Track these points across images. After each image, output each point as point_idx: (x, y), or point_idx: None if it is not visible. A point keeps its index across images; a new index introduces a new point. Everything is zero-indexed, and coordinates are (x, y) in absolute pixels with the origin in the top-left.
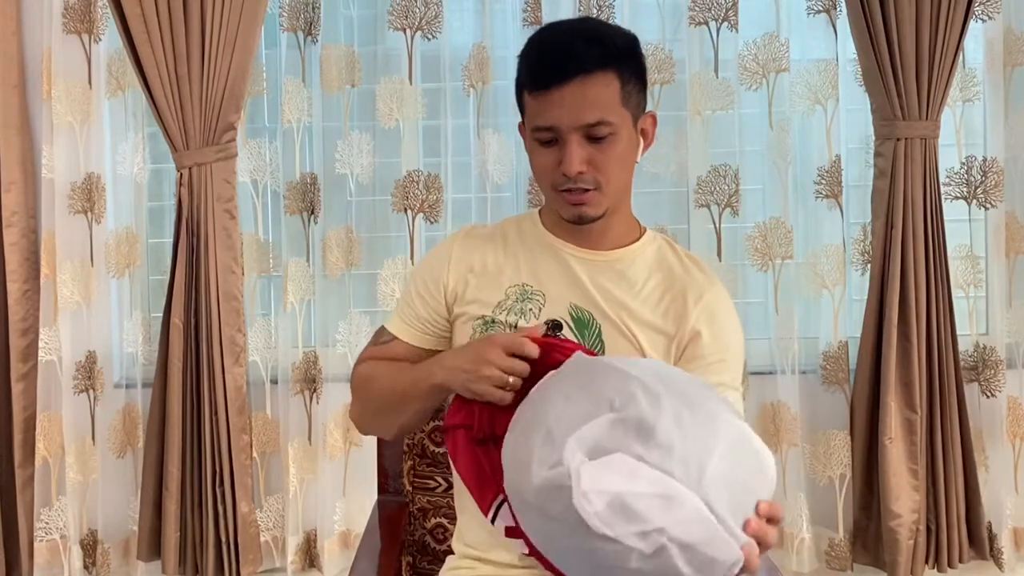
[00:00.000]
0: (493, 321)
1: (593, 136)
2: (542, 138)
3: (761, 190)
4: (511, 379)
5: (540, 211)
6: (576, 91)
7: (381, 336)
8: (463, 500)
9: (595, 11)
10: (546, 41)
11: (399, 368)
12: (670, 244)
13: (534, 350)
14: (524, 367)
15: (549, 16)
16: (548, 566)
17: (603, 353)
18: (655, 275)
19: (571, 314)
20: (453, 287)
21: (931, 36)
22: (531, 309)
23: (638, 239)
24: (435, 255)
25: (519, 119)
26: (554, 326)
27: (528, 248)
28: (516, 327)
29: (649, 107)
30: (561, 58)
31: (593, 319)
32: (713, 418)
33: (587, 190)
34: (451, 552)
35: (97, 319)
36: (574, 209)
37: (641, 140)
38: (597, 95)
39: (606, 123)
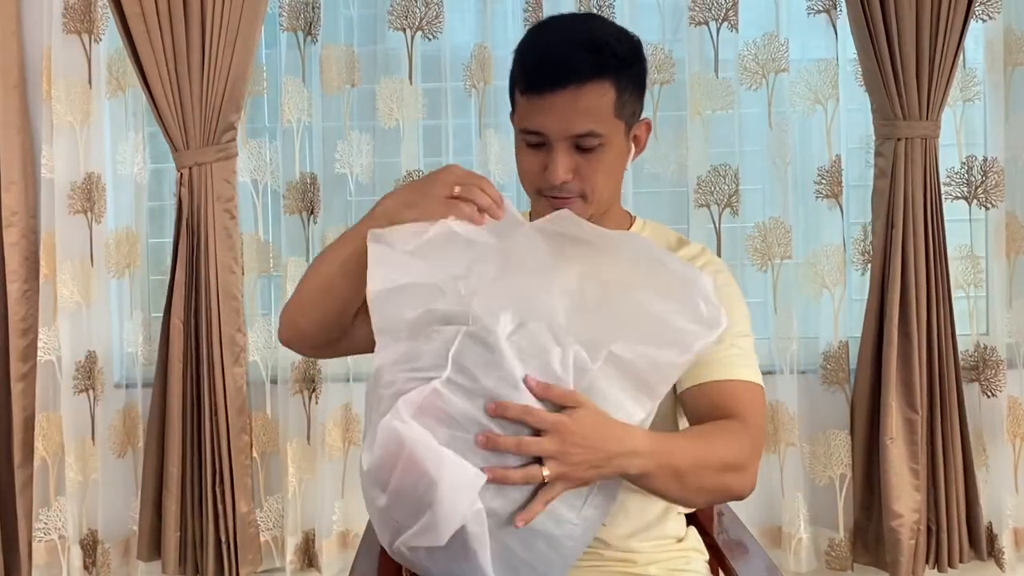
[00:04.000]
0: None
1: (581, 146)
2: (530, 140)
3: (761, 190)
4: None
5: (531, 212)
6: (568, 100)
7: None
8: None
9: (595, 11)
10: (544, 43)
11: (340, 239)
12: (660, 229)
13: (492, 196)
14: (483, 197)
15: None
16: None
17: None
18: None
19: None
20: None
21: (931, 36)
22: None
23: (627, 225)
24: None
25: (511, 108)
26: None
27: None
28: None
29: (649, 107)
30: (556, 64)
31: None
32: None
33: (571, 198)
34: None
35: (97, 319)
36: None
37: (633, 147)
38: (589, 105)
39: (595, 134)
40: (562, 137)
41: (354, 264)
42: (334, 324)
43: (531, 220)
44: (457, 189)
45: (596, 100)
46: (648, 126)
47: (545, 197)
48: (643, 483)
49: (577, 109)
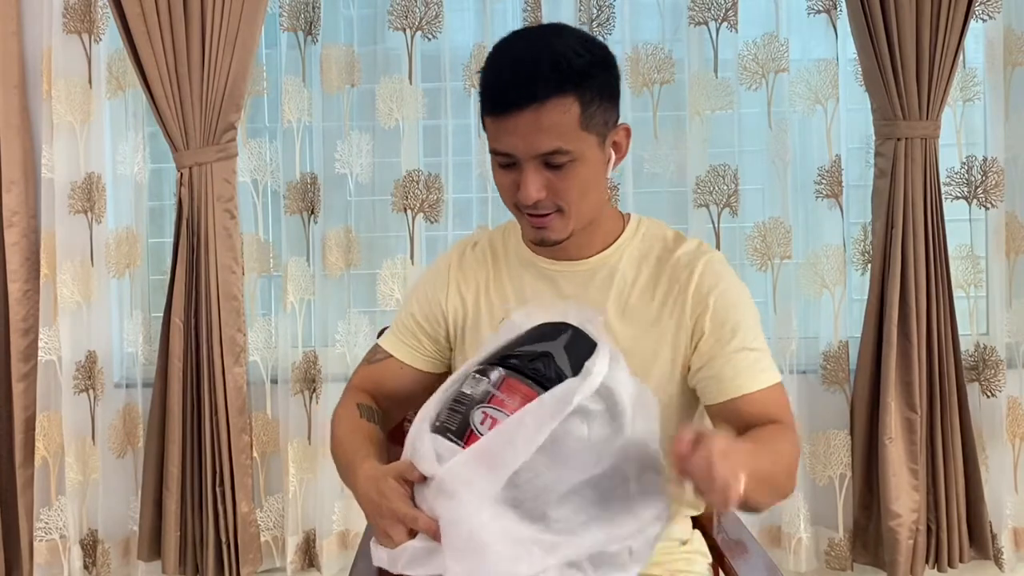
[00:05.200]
0: None
1: (551, 163)
2: (500, 161)
3: (761, 190)
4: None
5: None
6: (531, 119)
7: (375, 354)
8: None
9: (595, 11)
10: (503, 64)
11: (352, 444)
12: (656, 226)
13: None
14: (420, 521)
15: (549, 16)
16: None
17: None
18: (644, 267)
19: None
20: (452, 316)
21: (931, 36)
22: None
23: (622, 232)
24: (433, 278)
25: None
26: None
27: (512, 268)
28: None
29: (648, 107)
30: (515, 84)
31: None
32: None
33: (548, 214)
34: None
35: (97, 319)
36: (536, 232)
37: (613, 154)
38: (553, 123)
39: (563, 151)
40: (529, 156)
41: None
42: None
43: (520, 232)
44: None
45: (559, 117)
46: (627, 131)
47: (521, 213)
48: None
49: (541, 128)
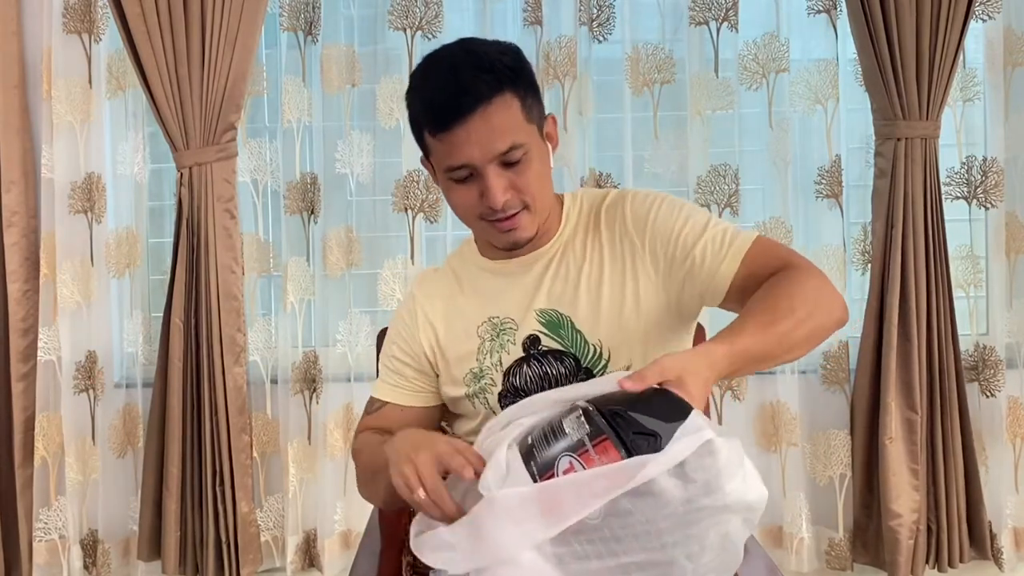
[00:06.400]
0: (481, 371)
1: (508, 161)
2: (457, 176)
3: (761, 190)
4: (420, 492)
5: (475, 237)
6: (480, 123)
7: (372, 405)
8: None
9: (595, 11)
10: (434, 81)
11: (379, 442)
12: (589, 194)
13: (467, 473)
14: (439, 492)
15: (549, 16)
16: None
17: (587, 343)
18: (587, 232)
19: (540, 320)
20: (428, 344)
21: (931, 36)
22: (508, 340)
23: (560, 213)
24: (403, 319)
25: (422, 155)
26: (532, 342)
27: (475, 279)
28: (502, 363)
29: (648, 107)
30: (458, 93)
31: (561, 315)
32: None
33: (516, 213)
34: None
35: (97, 319)
36: (506, 236)
37: (548, 145)
38: (501, 121)
39: (517, 146)
40: (488, 160)
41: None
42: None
43: (479, 245)
44: (420, 492)
45: (505, 113)
46: (555, 121)
47: (490, 223)
48: (739, 376)
49: (492, 129)
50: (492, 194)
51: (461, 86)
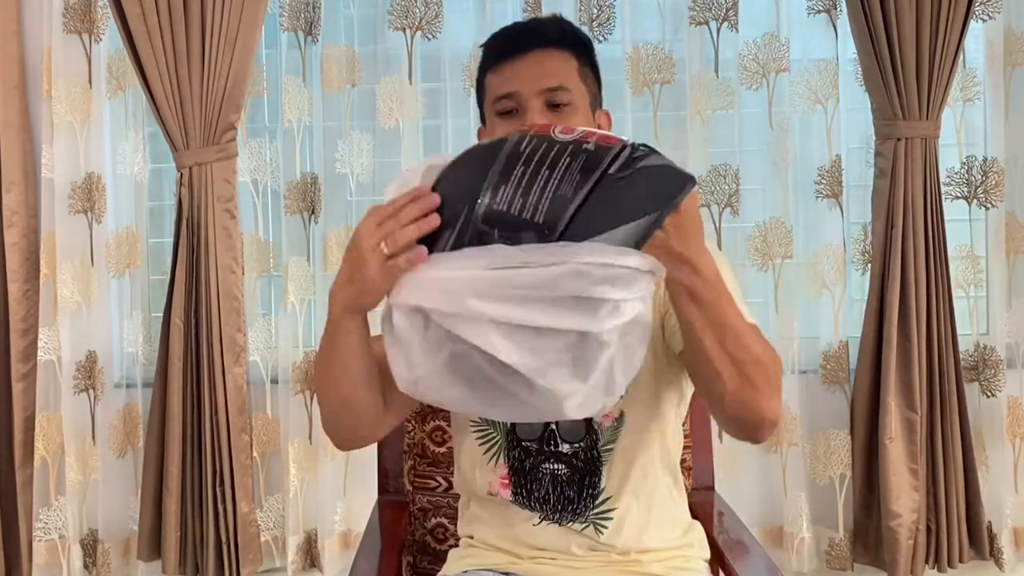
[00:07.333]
0: None
1: (553, 102)
2: (503, 108)
3: (761, 190)
4: (384, 245)
5: None
6: (534, 61)
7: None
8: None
9: (595, 11)
10: (507, 28)
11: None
12: None
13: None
14: (403, 232)
15: None
16: None
17: None
18: None
19: None
20: None
21: (931, 36)
22: None
23: None
24: None
25: (480, 110)
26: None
27: None
28: None
29: (648, 107)
30: (522, 32)
31: None
32: None
33: None
34: (456, 545)
35: (97, 319)
36: None
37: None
38: (555, 66)
39: (565, 89)
40: (534, 93)
41: (346, 358)
42: (372, 420)
43: None
44: (383, 246)
45: (561, 62)
46: (608, 118)
47: None
48: (691, 313)
49: (544, 68)
50: (530, 117)
51: (529, 27)
